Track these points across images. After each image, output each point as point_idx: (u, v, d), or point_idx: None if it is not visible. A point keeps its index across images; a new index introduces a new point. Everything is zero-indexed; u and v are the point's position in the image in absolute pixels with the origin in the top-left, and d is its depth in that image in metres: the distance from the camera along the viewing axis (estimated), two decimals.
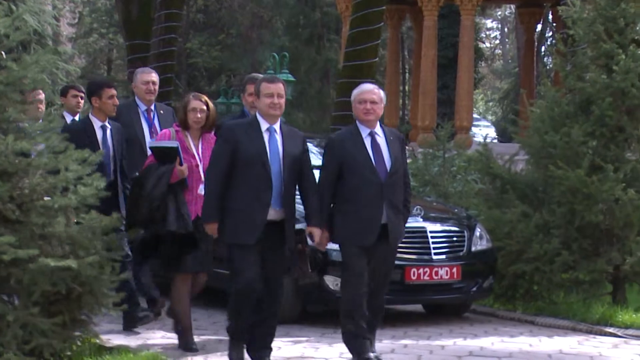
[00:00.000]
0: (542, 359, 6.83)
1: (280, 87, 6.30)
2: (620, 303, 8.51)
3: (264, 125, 6.28)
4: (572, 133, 8.57)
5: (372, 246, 6.36)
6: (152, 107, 8.17)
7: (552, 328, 7.98)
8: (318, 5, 28.01)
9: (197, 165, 6.84)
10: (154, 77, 8.21)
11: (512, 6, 28.02)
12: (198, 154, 6.88)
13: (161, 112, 8.23)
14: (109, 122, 7.63)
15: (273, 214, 6.22)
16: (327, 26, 28.28)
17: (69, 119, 8.71)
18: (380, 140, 6.46)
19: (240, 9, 28.71)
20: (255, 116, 6.37)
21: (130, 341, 7.05)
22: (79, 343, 6.33)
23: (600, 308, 8.23)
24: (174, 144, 6.72)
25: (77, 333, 6.34)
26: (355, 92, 6.49)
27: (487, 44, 41.34)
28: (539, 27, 26.04)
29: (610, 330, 7.75)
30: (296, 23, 28.47)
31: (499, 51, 45.90)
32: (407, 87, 30.42)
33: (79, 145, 6.84)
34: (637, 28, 8.79)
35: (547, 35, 28.90)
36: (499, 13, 38.67)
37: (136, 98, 8.22)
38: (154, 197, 6.62)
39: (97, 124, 7.58)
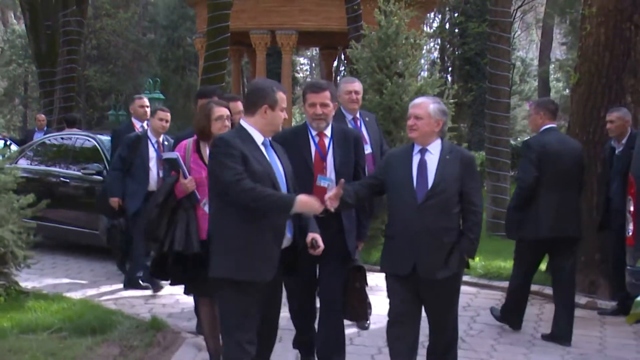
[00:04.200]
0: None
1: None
2: None
3: (259, 139, 3.69)
4: None
5: (416, 281, 3.95)
6: (358, 115, 5.69)
7: None
8: (181, 45, 27.79)
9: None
10: (357, 86, 5.63)
11: (317, 48, 28.36)
12: None
13: (366, 119, 5.78)
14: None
15: (286, 241, 3.69)
16: (189, 60, 27.95)
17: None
18: (431, 158, 4.00)
19: (124, 47, 28.17)
20: (243, 126, 3.69)
21: (43, 288, 6.78)
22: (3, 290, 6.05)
23: (377, 254, 8.46)
24: (173, 155, 4.49)
25: (1, 282, 6.06)
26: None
27: (301, 74, 41.74)
28: (335, 63, 26.48)
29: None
30: (166, 57, 28.04)
31: (309, 79, 46.42)
32: None
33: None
34: (399, 64, 9.06)
35: (341, 69, 29.40)
36: (308, 53, 39.05)
37: (342, 108, 5.67)
38: (150, 211, 4.43)
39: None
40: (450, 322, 4.06)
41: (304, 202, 3.54)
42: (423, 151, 4.04)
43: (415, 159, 4.02)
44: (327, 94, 4.34)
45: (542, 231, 5.37)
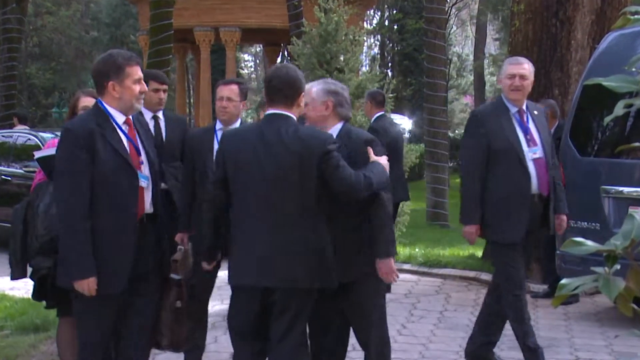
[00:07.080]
0: None
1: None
2: None
3: None
4: None
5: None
6: (525, 108, 4.19)
7: None
8: (125, 42, 27.16)
9: None
10: (525, 69, 4.14)
11: (261, 45, 28.18)
12: None
13: (535, 112, 4.25)
14: None
15: None
16: None
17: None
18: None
19: (67, 44, 27.38)
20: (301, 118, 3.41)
21: None
22: None
23: None
24: None
25: None
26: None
27: (246, 71, 41.43)
28: (279, 59, 26.37)
29: None
30: None
31: (254, 75, 46.12)
32: (191, 100, 29.91)
33: None
34: (340, 60, 9.06)
35: None
36: (253, 49, 38.78)
37: (502, 97, 4.20)
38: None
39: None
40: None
41: None
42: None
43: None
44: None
45: (395, 198, 6.04)
